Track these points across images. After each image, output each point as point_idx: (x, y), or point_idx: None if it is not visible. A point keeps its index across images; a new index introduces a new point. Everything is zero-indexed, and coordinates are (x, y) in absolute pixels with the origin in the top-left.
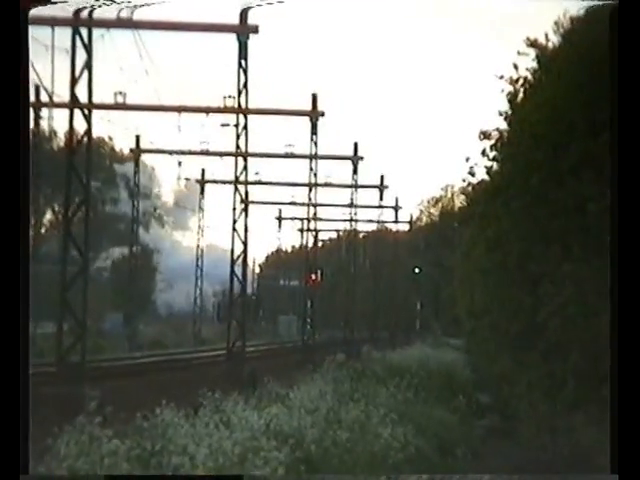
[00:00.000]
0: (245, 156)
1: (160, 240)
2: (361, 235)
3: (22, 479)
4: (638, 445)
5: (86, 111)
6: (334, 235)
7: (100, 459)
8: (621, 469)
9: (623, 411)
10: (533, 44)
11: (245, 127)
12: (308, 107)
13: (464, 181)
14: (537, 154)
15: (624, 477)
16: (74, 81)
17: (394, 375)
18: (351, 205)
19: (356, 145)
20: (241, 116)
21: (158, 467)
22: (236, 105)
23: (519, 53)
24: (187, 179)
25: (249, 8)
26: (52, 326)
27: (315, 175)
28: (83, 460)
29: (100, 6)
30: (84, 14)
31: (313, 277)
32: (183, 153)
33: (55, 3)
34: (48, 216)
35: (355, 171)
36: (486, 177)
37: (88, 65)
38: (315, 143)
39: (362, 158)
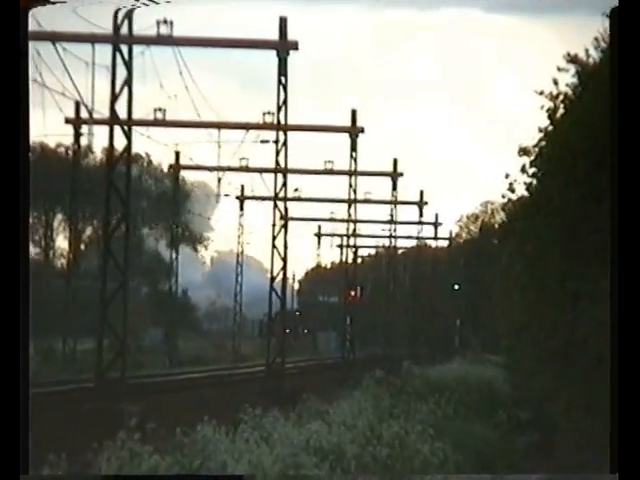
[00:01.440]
0: (285, 172)
1: (199, 257)
2: (400, 251)
3: (22, 479)
4: (638, 445)
5: (126, 127)
6: (373, 251)
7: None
8: (621, 469)
9: (623, 411)
10: (573, 60)
11: (285, 143)
12: (348, 123)
13: (503, 197)
14: (576, 171)
15: (624, 477)
16: (114, 97)
17: (434, 391)
18: (390, 221)
19: (395, 161)
20: (281, 132)
21: None
22: (275, 121)
23: (559, 69)
24: (226, 195)
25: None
26: (92, 342)
27: (354, 191)
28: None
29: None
30: (124, 30)
31: (352, 293)
32: (222, 169)
33: (55, 3)
34: (88, 232)
35: (394, 187)
36: (525, 193)
37: (128, 82)
38: (355, 159)
39: (402, 174)
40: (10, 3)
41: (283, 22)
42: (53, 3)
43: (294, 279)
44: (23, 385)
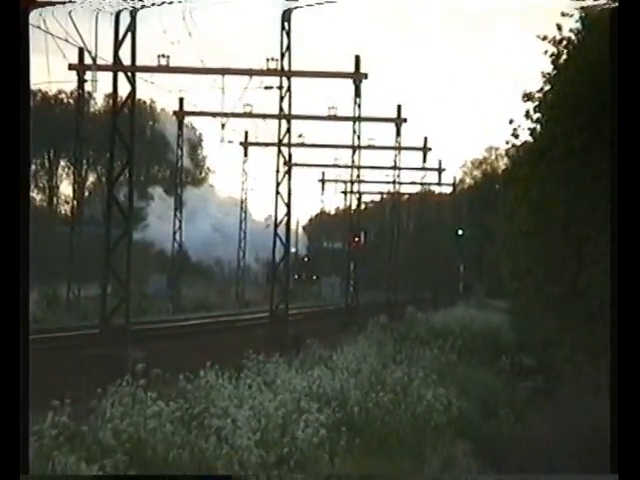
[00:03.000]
0: (288, 118)
1: (205, 202)
2: (404, 197)
3: (22, 479)
4: (638, 445)
5: (129, 74)
6: (377, 197)
7: (144, 421)
8: (621, 469)
9: (623, 411)
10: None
11: (288, 89)
12: (351, 69)
13: (507, 143)
14: (581, 116)
15: (624, 477)
16: (118, 44)
17: (437, 337)
18: (394, 167)
19: (399, 107)
20: (284, 79)
21: (201, 428)
22: (279, 67)
23: (563, 14)
24: (230, 141)
25: None
26: (96, 288)
27: (358, 137)
28: (127, 422)
29: None
30: None
31: (356, 239)
32: (226, 115)
33: (55, 4)
34: (91, 179)
35: (398, 133)
36: (530, 139)
37: (132, 28)
38: (358, 105)
39: (405, 120)
40: (10, 3)
41: None
42: (54, 3)
43: (298, 226)
44: (23, 385)
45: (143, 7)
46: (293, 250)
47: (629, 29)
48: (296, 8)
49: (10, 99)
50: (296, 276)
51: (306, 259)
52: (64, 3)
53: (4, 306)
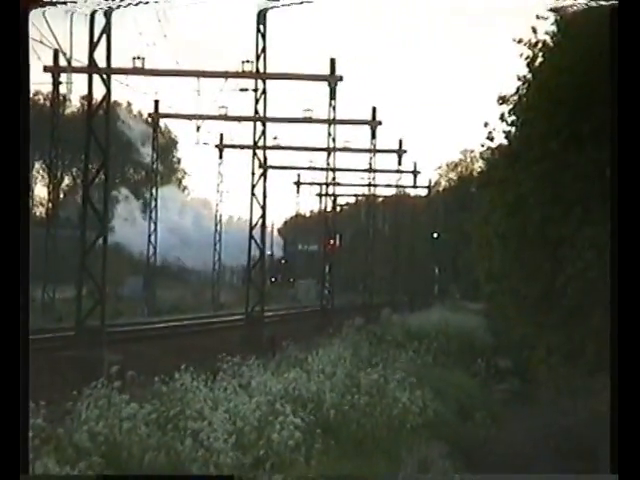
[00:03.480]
0: (264, 121)
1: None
2: (380, 200)
3: (22, 479)
4: (638, 445)
5: (105, 76)
6: (353, 200)
7: (119, 422)
8: (621, 469)
9: (623, 411)
10: (552, 8)
11: (264, 92)
12: (326, 72)
13: (483, 146)
14: (556, 119)
15: (624, 477)
16: (93, 46)
17: (413, 339)
18: (370, 170)
19: (374, 110)
20: (260, 81)
21: (175, 430)
22: (254, 70)
23: (538, 17)
24: (206, 143)
25: None
26: (71, 290)
27: (334, 140)
28: (102, 424)
29: None
30: None
31: (332, 242)
32: (202, 118)
33: (55, 4)
34: (67, 181)
35: (374, 135)
36: (505, 142)
37: (107, 30)
38: (333, 108)
39: (380, 123)
40: (10, 3)
41: None
42: (53, 4)
43: (273, 228)
44: (23, 385)
45: (119, 7)
46: (269, 252)
47: (629, 29)
48: (272, 8)
49: (10, 99)
50: (273, 279)
51: (283, 261)
52: (64, 3)
53: (4, 307)
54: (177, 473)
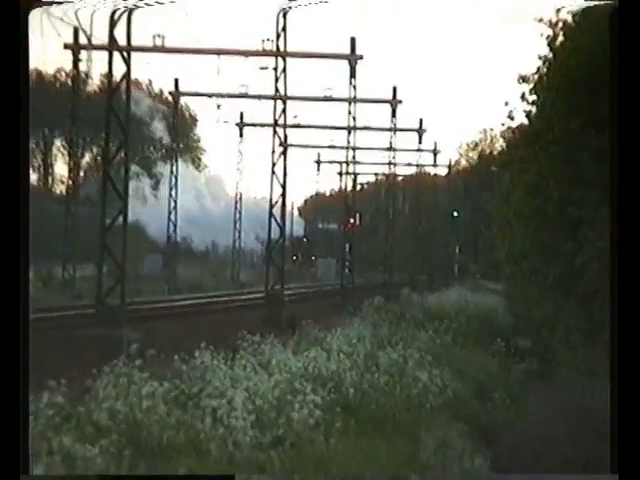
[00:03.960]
0: (284, 99)
1: (199, 183)
2: (400, 179)
3: (22, 479)
4: (638, 445)
5: (125, 54)
6: (373, 179)
7: (138, 401)
8: (621, 469)
9: (623, 411)
10: None
11: (284, 70)
12: (347, 51)
13: (503, 125)
14: (576, 99)
15: (624, 477)
16: (113, 23)
17: (433, 319)
18: (390, 149)
19: (395, 89)
20: (280, 59)
21: (196, 408)
22: (274, 48)
23: None
24: (226, 122)
25: None
26: (91, 268)
27: (354, 119)
28: (122, 402)
29: None
30: None
31: (352, 221)
32: (222, 96)
33: (56, 3)
34: (87, 159)
35: (394, 114)
36: (526, 121)
37: (127, 8)
38: (354, 86)
39: (401, 101)
40: (10, 3)
41: None
42: (53, 3)
43: (293, 207)
44: (23, 385)
45: None
46: (290, 231)
47: (629, 29)
48: None
49: (10, 98)
50: (294, 257)
51: (304, 240)
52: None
53: (4, 307)
54: (195, 451)
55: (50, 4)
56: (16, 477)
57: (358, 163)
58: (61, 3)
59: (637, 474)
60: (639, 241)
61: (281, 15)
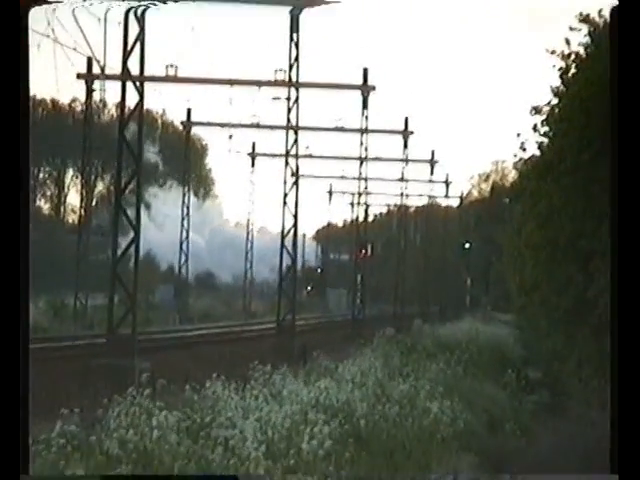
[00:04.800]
0: (296, 130)
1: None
2: (411, 210)
3: (22, 479)
4: (638, 445)
5: (138, 84)
6: (384, 210)
7: (150, 431)
8: (621, 469)
9: (623, 411)
10: (585, 20)
11: (296, 101)
12: (359, 81)
13: (515, 156)
14: (588, 131)
15: (624, 477)
16: (126, 53)
17: (444, 350)
18: (402, 179)
19: (407, 120)
20: (292, 90)
21: (207, 438)
22: (287, 79)
23: (571, 29)
24: (238, 152)
25: None
26: (103, 298)
27: (366, 149)
28: (133, 432)
29: None
30: None
31: (363, 251)
32: (234, 126)
33: (56, 2)
34: (99, 188)
35: (406, 145)
36: (537, 153)
37: (140, 37)
38: (366, 117)
39: (413, 132)
40: (10, 3)
41: None
42: (53, 2)
43: (305, 237)
44: (23, 385)
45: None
46: (304, 261)
47: (629, 29)
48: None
49: (10, 98)
50: (309, 288)
51: (319, 270)
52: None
53: (4, 307)
54: None
55: (49, 3)
56: (16, 477)
57: (370, 194)
58: (61, 2)
59: (637, 474)
60: (639, 244)
61: (294, 45)
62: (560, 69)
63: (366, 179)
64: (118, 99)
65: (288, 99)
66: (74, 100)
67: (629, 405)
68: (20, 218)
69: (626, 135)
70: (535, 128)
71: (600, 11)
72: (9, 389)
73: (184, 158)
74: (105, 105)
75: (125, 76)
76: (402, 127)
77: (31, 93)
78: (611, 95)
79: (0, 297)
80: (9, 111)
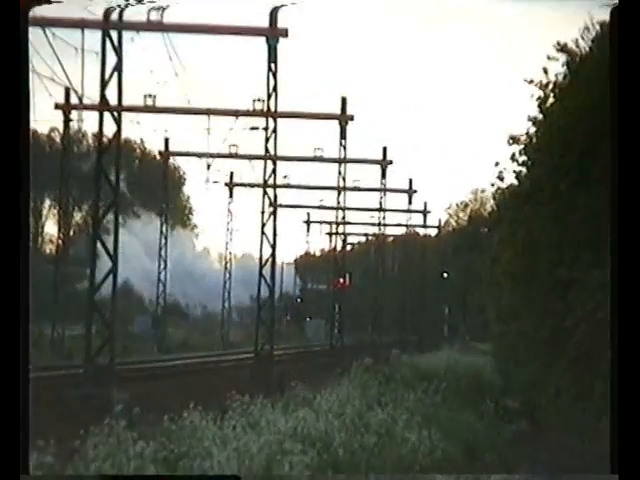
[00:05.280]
0: (274, 159)
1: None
2: (390, 239)
3: (22, 479)
4: (638, 445)
5: (116, 113)
6: (363, 239)
7: (127, 461)
8: (621, 469)
9: (623, 411)
10: (563, 49)
11: (274, 130)
12: (337, 111)
13: (493, 186)
14: (566, 160)
15: (624, 477)
16: (104, 83)
17: (422, 379)
18: (380, 209)
19: (385, 149)
20: (270, 119)
21: (184, 469)
22: (265, 108)
23: (549, 58)
24: (216, 182)
25: (278, 10)
26: (80, 328)
27: (344, 179)
28: (110, 462)
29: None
30: (114, 16)
31: (341, 281)
32: (212, 156)
33: (56, 2)
34: (77, 218)
35: (384, 175)
36: (515, 182)
37: (118, 67)
38: (344, 147)
39: (391, 162)
40: (10, 3)
41: (274, 10)
42: (53, 2)
43: (283, 267)
44: (23, 385)
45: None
46: (284, 291)
47: (629, 29)
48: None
49: (10, 98)
50: (288, 317)
51: (299, 300)
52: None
53: (4, 308)
54: None
55: (48, 3)
56: (16, 477)
57: (348, 223)
58: (60, 2)
59: (637, 474)
60: (639, 244)
61: (271, 75)
62: (538, 98)
63: (344, 209)
64: (96, 129)
65: (266, 129)
66: (52, 130)
67: (629, 406)
68: (20, 219)
69: (626, 136)
70: (513, 157)
71: (576, 41)
72: (9, 389)
73: (162, 188)
74: (84, 135)
75: (103, 106)
76: (380, 156)
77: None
78: (611, 95)
79: (0, 297)
80: (9, 111)
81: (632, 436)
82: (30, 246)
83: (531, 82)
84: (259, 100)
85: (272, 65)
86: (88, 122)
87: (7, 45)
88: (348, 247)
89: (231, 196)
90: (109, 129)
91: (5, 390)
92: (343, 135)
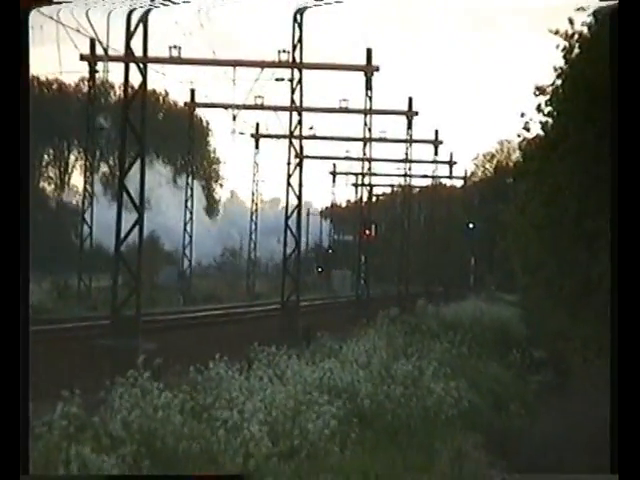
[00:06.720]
0: (300, 110)
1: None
2: (415, 190)
3: (22, 479)
4: (638, 445)
5: (141, 65)
6: (388, 190)
7: (153, 411)
8: (621, 469)
9: (623, 411)
10: None
11: (300, 81)
12: (363, 62)
13: (519, 136)
14: (592, 110)
15: (624, 477)
16: (129, 35)
17: (448, 330)
18: (405, 160)
19: (411, 100)
20: (296, 70)
21: (210, 420)
22: (290, 60)
23: (577, 9)
24: (242, 133)
25: None
26: (107, 279)
27: (369, 130)
28: (136, 413)
29: None
30: None
31: (367, 232)
32: (237, 107)
33: (57, 3)
34: (103, 169)
35: (410, 126)
36: (541, 132)
37: (143, 19)
38: (370, 98)
39: (417, 113)
40: (10, 3)
41: None
42: (54, 3)
43: (309, 218)
44: (23, 385)
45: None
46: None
47: (629, 29)
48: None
49: (10, 99)
50: (319, 268)
51: (329, 251)
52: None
53: (4, 308)
54: (210, 461)
55: (50, 3)
56: (16, 477)
57: (374, 174)
58: (61, 2)
59: (637, 474)
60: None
61: (297, 26)
62: (564, 49)
63: (370, 160)
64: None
65: (291, 80)
66: (78, 81)
67: (629, 405)
68: (20, 218)
69: (626, 136)
70: (539, 108)
71: None
72: (9, 389)
73: (187, 139)
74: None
75: (128, 57)
76: (406, 107)
77: (35, 73)
78: (611, 95)
79: (0, 297)
80: (9, 111)
81: (632, 436)
82: (56, 196)
83: (557, 33)
84: (284, 51)
85: (297, 15)
86: (113, 74)
87: (7, 45)
88: (374, 198)
89: (257, 147)
90: (135, 80)
91: (5, 390)
92: (369, 86)
